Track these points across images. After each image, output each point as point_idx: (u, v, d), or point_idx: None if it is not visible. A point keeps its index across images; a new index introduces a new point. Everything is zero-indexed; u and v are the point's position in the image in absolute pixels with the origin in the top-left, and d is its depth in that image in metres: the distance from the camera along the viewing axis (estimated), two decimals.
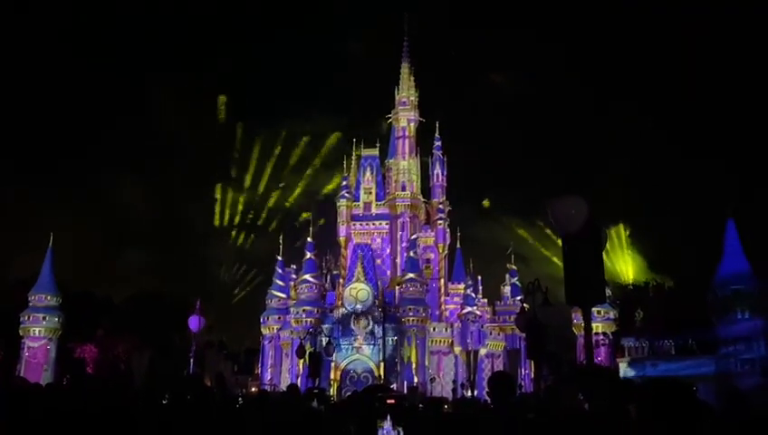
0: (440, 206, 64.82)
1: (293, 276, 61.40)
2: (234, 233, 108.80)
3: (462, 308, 57.75)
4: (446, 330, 57.42)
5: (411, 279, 55.58)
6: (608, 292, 52.39)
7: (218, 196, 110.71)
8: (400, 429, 13.05)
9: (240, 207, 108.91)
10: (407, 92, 66.15)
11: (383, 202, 63.42)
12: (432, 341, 56.33)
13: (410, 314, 54.53)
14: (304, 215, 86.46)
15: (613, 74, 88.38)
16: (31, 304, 55.60)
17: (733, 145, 79.72)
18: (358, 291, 55.26)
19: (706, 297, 47.30)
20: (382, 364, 52.46)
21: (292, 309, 57.74)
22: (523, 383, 56.49)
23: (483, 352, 56.56)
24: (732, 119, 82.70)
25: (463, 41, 74.80)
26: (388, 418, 13.38)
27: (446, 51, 74.22)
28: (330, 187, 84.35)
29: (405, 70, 67.42)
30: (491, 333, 59.24)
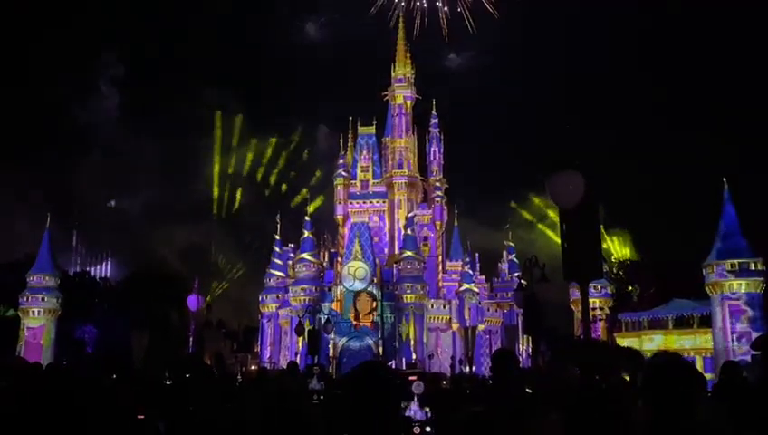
0: (437, 183, 64.70)
1: (291, 255, 61.51)
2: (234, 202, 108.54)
3: (460, 285, 57.97)
4: (444, 307, 57.68)
5: (409, 257, 55.67)
6: (605, 267, 52.56)
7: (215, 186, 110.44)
8: (428, 409, 12.69)
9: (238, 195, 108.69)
10: (403, 69, 65.71)
11: (380, 180, 63.33)
12: (430, 318, 56.61)
13: (408, 291, 54.71)
14: (302, 193, 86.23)
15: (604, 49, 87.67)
16: (29, 284, 55.66)
17: (724, 116, 79.46)
18: (356, 269, 55.41)
19: (703, 270, 47.50)
20: (381, 342, 52.77)
21: (290, 288, 57.91)
22: (520, 359, 56.92)
23: (481, 328, 56.89)
24: (724, 89, 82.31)
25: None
26: (415, 398, 13.02)
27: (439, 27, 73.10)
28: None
29: (400, 46, 66.96)
30: (488, 310, 59.58)
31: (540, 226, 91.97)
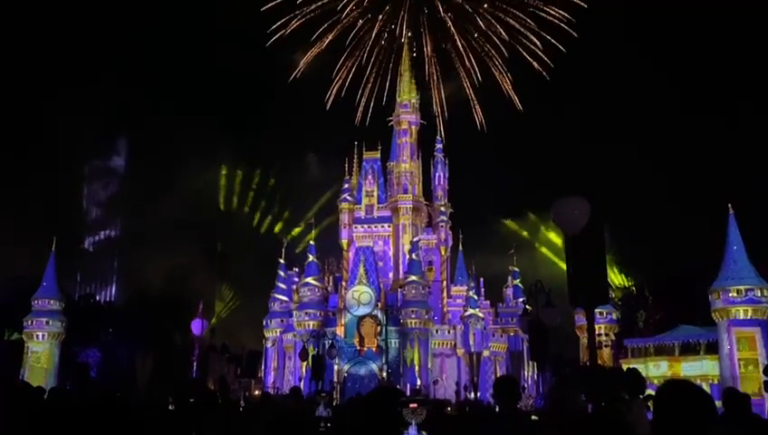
0: (442, 208, 64.77)
1: (296, 280, 61.42)
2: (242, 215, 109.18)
3: (464, 310, 57.71)
4: (449, 332, 57.38)
5: (413, 281, 55.52)
6: (610, 293, 52.28)
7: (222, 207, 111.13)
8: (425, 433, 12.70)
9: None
10: (408, 95, 66.06)
11: (385, 205, 63.38)
12: (435, 343, 56.28)
13: (413, 316, 54.48)
14: (306, 220, 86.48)
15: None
16: (34, 308, 55.65)
17: (725, 139, 79.63)
18: (360, 294, 55.24)
19: (709, 296, 47.24)
20: (385, 367, 52.44)
21: (294, 312, 57.75)
22: (526, 385, 56.46)
23: (485, 354, 56.52)
24: (727, 109, 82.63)
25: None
26: (413, 423, 13.00)
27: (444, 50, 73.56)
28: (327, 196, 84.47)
29: (406, 73, 67.42)
30: (493, 335, 59.23)
31: (543, 249, 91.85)
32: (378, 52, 74.09)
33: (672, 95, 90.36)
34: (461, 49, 72.62)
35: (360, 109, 73.75)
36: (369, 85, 74.31)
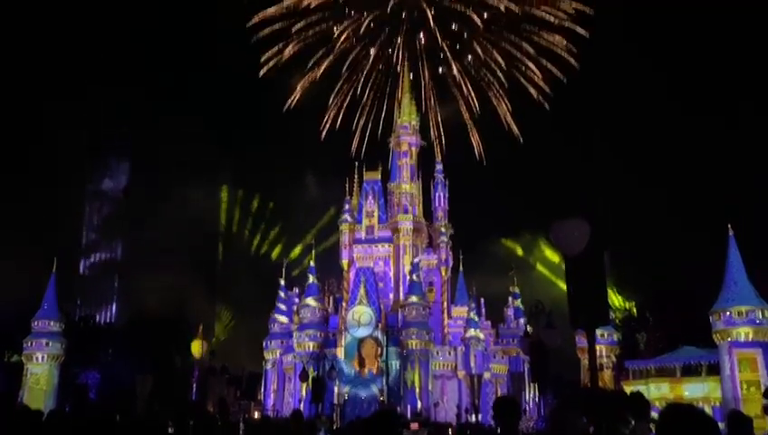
0: (442, 229, 64.84)
1: (296, 300, 61.30)
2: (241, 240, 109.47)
3: (465, 331, 57.50)
4: (450, 354, 57.11)
5: (414, 302, 55.39)
6: (611, 314, 52.20)
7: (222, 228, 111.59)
8: None
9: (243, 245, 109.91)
10: (408, 117, 66.40)
11: (386, 225, 63.44)
12: (435, 365, 55.97)
13: (413, 337, 54.27)
14: (306, 241, 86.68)
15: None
16: (34, 329, 55.52)
17: (728, 160, 79.90)
18: (360, 314, 55.10)
19: (710, 317, 47.13)
20: (386, 389, 52.14)
21: (294, 333, 57.57)
22: (527, 407, 56.13)
23: (487, 376, 56.23)
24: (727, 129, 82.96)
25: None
26: None
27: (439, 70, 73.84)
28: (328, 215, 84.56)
29: (406, 95, 67.85)
30: (494, 357, 58.97)
31: (542, 268, 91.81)
32: (374, 78, 74.33)
33: (671, 111, 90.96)
34: (458, 78, 72.93)
35: (357, 137, 73.82)
36: (366, 112, 74.49)
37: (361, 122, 74.36)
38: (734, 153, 79.31)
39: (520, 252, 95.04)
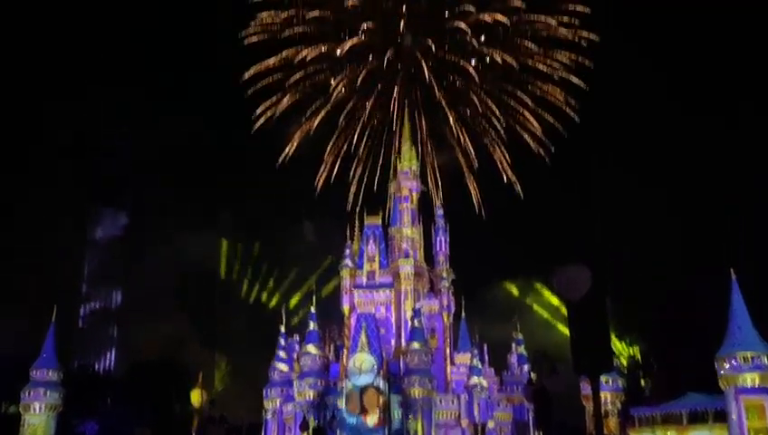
0: (444, 273, 64.63)
1: (296, 347, 60.75)
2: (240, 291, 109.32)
3: (468, 379, 56.84)
4: (453, 402, 56.29)
5: (416, 349, 54.82)
6: (615, 361, 51.71)
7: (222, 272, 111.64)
8: None
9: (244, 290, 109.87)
10: (408, 162, 66.92)
11: (387, 270, 63.30)
12: (438, 413, 55.13)
13: (416, 385, 53.54)
14: (307, 287, 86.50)
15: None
16: (32, 379, 54.94)
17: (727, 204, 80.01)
18: (362, 362, 54.46)
19: (715, 363, 46.62)
20: None
21: (295, 382, 56.85)
22: None
23: (491, 424, 55.34)
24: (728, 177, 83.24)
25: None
26: None
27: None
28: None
29: (406, 141, 68.54)
30: (498, 405, 58.10)
31: (543, 311, 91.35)
32: (371, 127, 75.23)
33: (673, 148, 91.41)
34: (455, 129, 73.76)
35: (354, 185, 74.47)
36: (363, 160, 75.21)
37: (358, 171, 75.09)
38: (738, 202, 79.46)
39: (520, 295, 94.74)
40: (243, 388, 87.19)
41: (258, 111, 72.42)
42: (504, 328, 67.45)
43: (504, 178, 73.32)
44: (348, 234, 65.69)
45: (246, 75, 70.98)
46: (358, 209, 66.30)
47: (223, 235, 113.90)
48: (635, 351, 73.97)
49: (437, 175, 74.39)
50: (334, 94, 72.79)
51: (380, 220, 65.75)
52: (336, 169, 74.47)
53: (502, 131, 72.32)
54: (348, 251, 64.07)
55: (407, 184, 66.02)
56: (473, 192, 74.53)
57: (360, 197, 72.94)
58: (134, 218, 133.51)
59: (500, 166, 73.36)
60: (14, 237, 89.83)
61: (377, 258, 63.92)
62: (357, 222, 66.06)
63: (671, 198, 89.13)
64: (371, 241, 64.56)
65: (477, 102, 72.60)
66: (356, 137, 74.47)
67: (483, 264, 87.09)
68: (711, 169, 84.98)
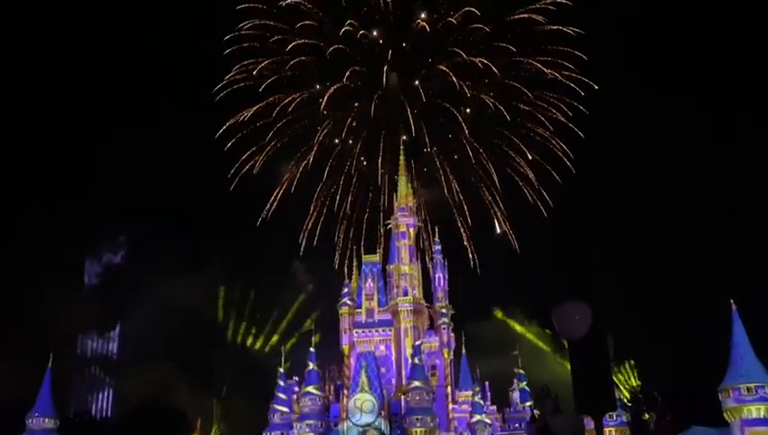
0: (443, 310, 64.18)
1: (296, 389, 59.99)
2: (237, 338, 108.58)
3: (471, 416, 56.13)
4: None
5: (417, 387, 54.23)
6: (618, 395, 51.12)
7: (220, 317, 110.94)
8: None
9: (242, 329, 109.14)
10: (405, 199, 67.06)
11: (386, 308, 62.93)
12: None
13: (417, 424, 52.85)
14: (307, 325, 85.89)
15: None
16: (28, 427, 54.12)
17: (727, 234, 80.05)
18: (363, 402, 53.82)
19: (719, 395, 46.14)
20: None
21: (295, 424, 56.06)
22: None
23: None
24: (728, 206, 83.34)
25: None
26: None
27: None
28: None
29: (402, 178, 68.74)
30: None
31: (546, 348, 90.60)
32: (358, 173, 75.96)
33: (671, 191, 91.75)
34: (449, 185, 74.40)
35: (342, 225, 74.86)
36: (350, 210, 75.78)
37: (349, 212, 75.37)
38: (739, 237, 79.66)
39: (519, 328, 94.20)
40: (242, 433, 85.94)
41: (240, 161, 73.55)
42: (504, 362, 66.76)
43: (497, 226, 73.70)
44: (346, 272, 65.49)
45: (227, 124, 72.20)
46: (355, 248, 66.36)
47: (218, 279, 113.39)
48: (637, 383, 73.30)
49: (431, 213, 74.72)
50: (318, 141, 73.81)
51: (378, 257, 65.63)
52: (324, 213, 75.05)
53: (495, 179, 72.88)
54: (346, 289, 63.73)
55: (404, 220, 66.02)
56: (468, 248, 74.88)
57: (350, 236, 73.24)
58: (129, 264, 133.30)
59: (495, 219, 73.82)
60: (9, 285, 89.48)
61: (375, 296, 63.61)
62: (355, 260, 65.95)
63: (668, 231, 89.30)
64: (369, 279, 64.30)
65: (469, 150, 73.33)
66: (342, 181, 75.19)
67: (481, 298, 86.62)
68: (711, 198, 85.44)
